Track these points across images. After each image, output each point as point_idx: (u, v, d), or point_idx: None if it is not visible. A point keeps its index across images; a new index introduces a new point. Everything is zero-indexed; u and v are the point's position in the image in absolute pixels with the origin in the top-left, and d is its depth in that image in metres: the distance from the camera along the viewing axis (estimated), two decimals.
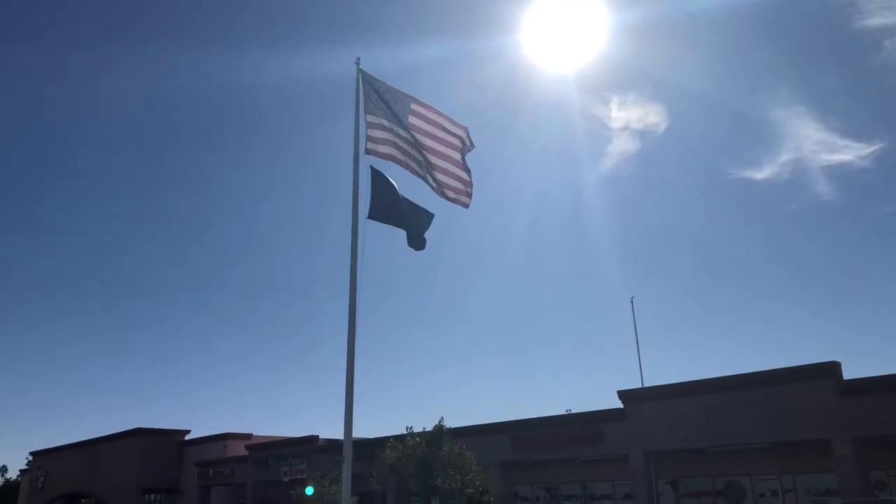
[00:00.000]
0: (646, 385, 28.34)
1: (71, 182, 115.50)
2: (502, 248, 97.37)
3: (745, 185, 77.57)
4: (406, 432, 25.19)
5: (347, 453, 16.01)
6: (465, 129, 16.55)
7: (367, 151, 16.97)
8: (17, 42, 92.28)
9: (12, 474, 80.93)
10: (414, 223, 16.97)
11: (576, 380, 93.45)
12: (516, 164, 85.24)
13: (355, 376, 15.80)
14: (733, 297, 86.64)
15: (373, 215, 16.50)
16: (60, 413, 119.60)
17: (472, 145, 16.39)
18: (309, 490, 27.85)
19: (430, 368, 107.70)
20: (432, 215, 16.51)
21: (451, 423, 25.97)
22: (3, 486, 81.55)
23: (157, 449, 52.56)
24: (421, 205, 16.18)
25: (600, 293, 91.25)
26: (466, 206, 17.20)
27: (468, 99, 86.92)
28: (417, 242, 16.73)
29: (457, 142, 16.58)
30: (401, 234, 16.93)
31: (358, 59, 17.79)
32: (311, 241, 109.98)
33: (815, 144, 70.90)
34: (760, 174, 74.44)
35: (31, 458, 68.52)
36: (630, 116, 78.94)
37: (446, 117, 16.35)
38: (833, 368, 22.01)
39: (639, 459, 25.63)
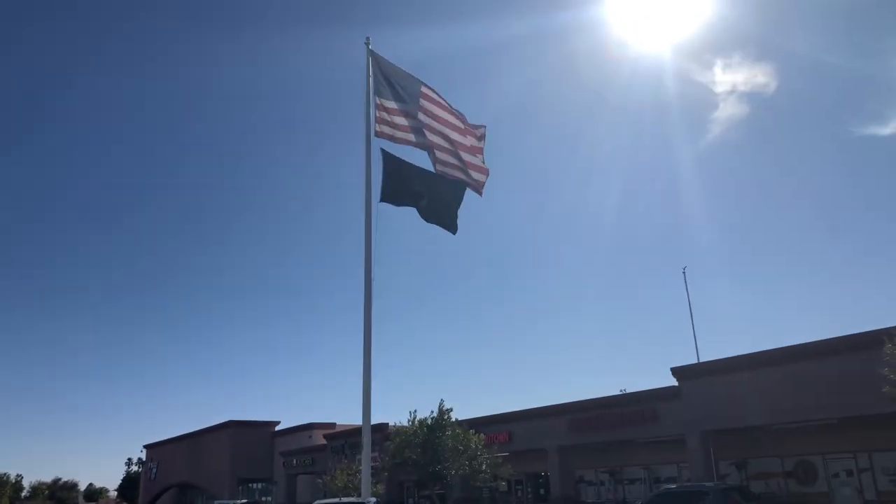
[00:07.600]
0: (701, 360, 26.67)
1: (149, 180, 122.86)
2: (595, 222, 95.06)
3: (869, 142, 71.73)
4: (409, 418, 23.70)
5: (366, 442, 15.72)
6: (483, 127, 16.05)
7: (377, 134, 16.76)
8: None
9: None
10: (443, 200, 16.50)
11: (637, 359, 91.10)
12: (608, 139, 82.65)
13: (373, 361, 15.58)
14: (841, 261, 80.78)
15: (385, 198, 16.23)
16: (170, 406, 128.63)
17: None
18: None
19: (484, 355, 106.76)
20: (464, 188, 16.02)
21: (506, 408, 24.34)
22: (127, 477, 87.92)
23: (248, 440, 54.79)
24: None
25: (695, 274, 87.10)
26: (479, 192, 16.64)
27: (552, 76, 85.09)
28: (450, 223, 16.28)
29: (471, 130, 16.06)
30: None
31: (368, 38, 17.48)
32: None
33: None
34: (887, 129, 68.45)
35: (144, 450, 73.54)
36: (736, 79, 74.28)
37: (456, 113, 16.02)
38: None
39: (696, 439, 24.06)
